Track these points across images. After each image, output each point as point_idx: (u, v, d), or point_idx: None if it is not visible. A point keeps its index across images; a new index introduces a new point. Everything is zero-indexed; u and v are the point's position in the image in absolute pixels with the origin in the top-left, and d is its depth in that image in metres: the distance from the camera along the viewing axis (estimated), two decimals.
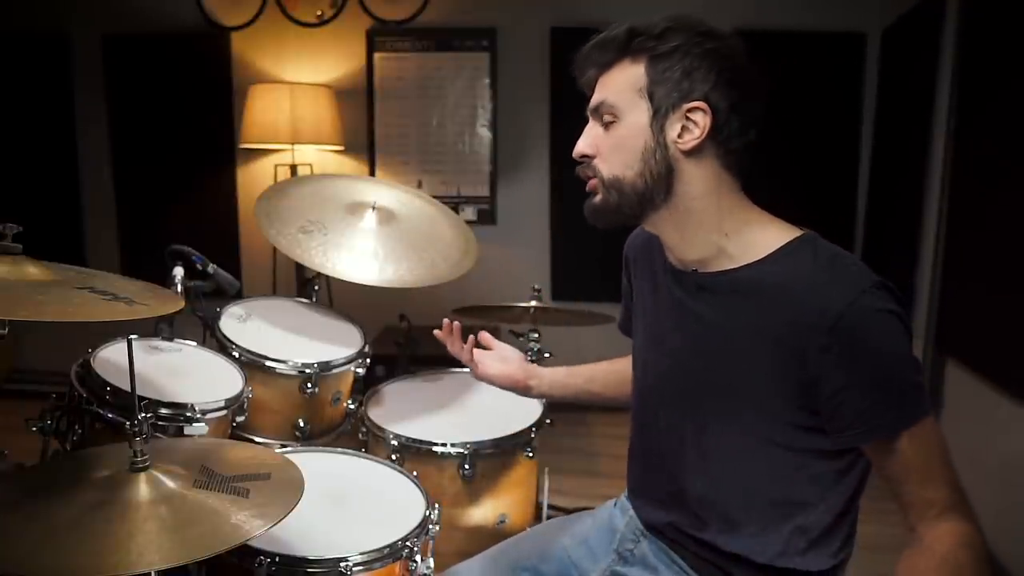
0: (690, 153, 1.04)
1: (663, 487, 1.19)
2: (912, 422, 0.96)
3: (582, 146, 1.11)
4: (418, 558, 1.26)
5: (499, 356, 1.51)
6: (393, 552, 1.23)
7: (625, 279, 1.36)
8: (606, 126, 1.08)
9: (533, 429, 1.77)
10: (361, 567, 1.19)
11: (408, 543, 1.25)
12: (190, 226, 3.88)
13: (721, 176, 1.06)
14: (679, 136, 1.04)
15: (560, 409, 1.95)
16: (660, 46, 1.03)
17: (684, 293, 1.13)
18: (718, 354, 1.07)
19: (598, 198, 1.10)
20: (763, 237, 1.06)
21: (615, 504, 1.36)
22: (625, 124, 1.06)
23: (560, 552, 1.29)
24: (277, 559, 1.15)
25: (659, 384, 1.19)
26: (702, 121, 1.03)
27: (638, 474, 1.29)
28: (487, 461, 1.70)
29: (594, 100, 1.10)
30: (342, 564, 1.17)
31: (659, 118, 1.04)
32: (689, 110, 1.03)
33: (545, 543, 1.31)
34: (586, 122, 1.13)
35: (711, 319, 1.08)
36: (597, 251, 3.88)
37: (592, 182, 1.10)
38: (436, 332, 1.46)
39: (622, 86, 1.06)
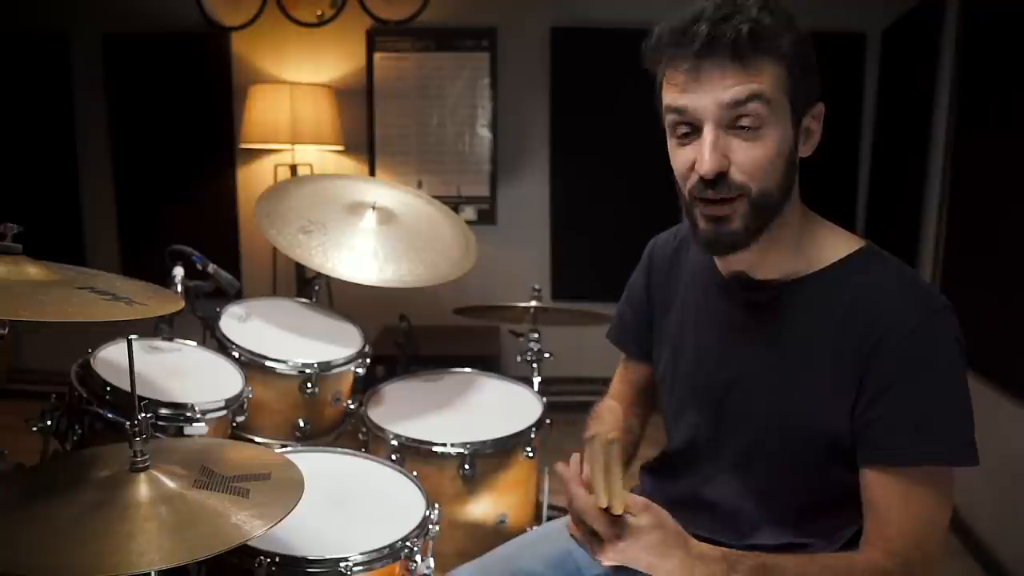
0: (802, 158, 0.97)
1: (689, 495, 1.14)
2: (943, 459, 0.91)
3: (717, 162, 0.90)
4: (418, 558, 1.26)
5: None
6: (393, 552, 1.23)
7: (642, 284, 1.27)
8: (745, 133, 0.91)
9: (533, 429, 1.77)
10: (361, 567, 1.19)
11: (408, 543, 1.25)
12: (190, 226, 3.87)
13: (797, 182, 1.00)
14: (803, 143, 0.97)
15: (560, 409, 1.95)
16: (791, 38, 0.91)
17: (733, 305, 1.06)
18: (771, 372, 1.01)
19: (736, 224, 0.93)
20: (830, 244, 1.01)
21: None
22: (772, 130, 0.91)
23: (562, 555, 1.28)
24: (277, 559, 1.15)
25: (695, 401, 1.13)
26: (818, 125, 0.97)
27: (659, 479, 1.25)
28: (487, 461, 1.70)
29: (735, 94, 0.89)
30: (342, 564, 1.17)
31: (797, 124, 0.94)
32: (814, 114, 0.97)
33: (546, 547, 1.30)
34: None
35: (765, 332, 1.02)
36: (597, 251, 3.91)
37: (731, 205, 0.93)
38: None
39: (771, 84, 0.90)
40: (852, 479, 0.97)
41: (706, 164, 0.90)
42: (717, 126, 0.91)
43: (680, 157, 0.96)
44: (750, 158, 0.91)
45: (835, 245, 1.01)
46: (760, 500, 1.06)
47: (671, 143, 0.98)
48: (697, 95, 0.91)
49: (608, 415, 1.27)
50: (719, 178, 0.91)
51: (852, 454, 0.96)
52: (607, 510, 0.84)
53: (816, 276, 1.00)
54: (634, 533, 0.84)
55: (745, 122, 0.90)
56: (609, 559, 0.86)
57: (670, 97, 0.94)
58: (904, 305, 0.93)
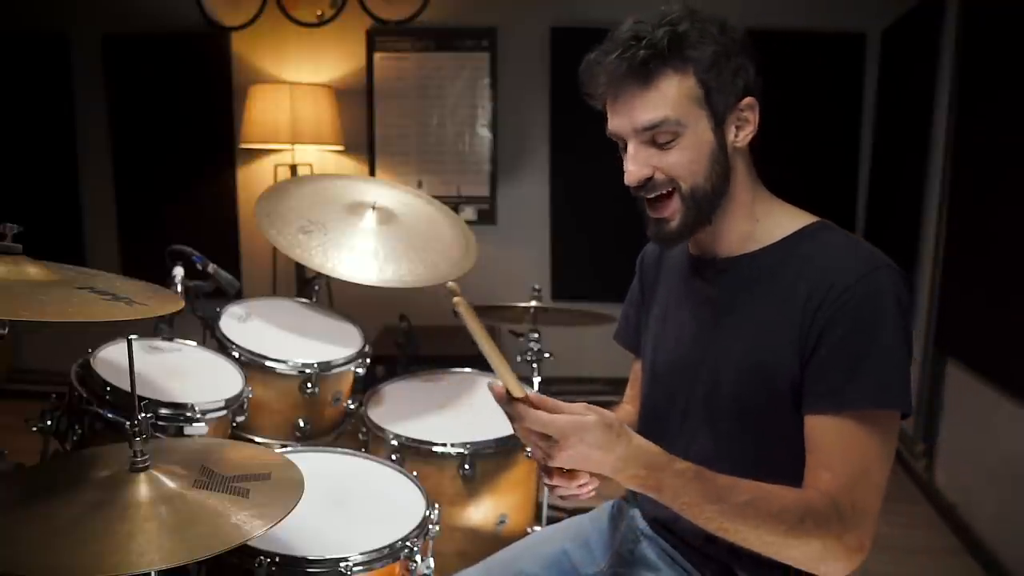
0: (741, 147, 1.06)
1: None
2: (878, 405, 0.96)
3: (638, 171, 1.04)
4: (418, 558, 1.26)
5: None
6: (393, 552, 1.23)
7: (637, 285, 1.36)
8: (663, 145, 1.03)
9: None
10: (361, 567, 1.19)
11: (408, 543, 1.25)
12: (190, 226, 3.87)
13: (750, 164, 1.10)
14: (736, 135, 1.06)
15: None
16: (704, 52, 1.00)
17: (703, 282, 1.15)
18: (736, 335, 1.07)
19: (676, 222, 1.06)
20: (784, 220, 1.09)
21: (613, 506, 1.36)
22: (689, 137, 1.02)
23: (561, 557, 1.29)
24: (277, 559, 1.15)
25: (673, 374, 1.18)
26: (753, 115, 1.05)
27: None
28: (487, 461, 1.70)
29: (643, 119, 1.02)
30: (342, 564, 1.17)
31: (719, 123, 1.03)
32: (742, 108, 1.04)
33: (546, 549, 1.31)
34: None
35: (729, 301, 1.10)
36: (597, 251, 3.91)
37: (667, 206, 1.06)
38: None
39: (678, 99, 1.01)
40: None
41: (628, 175, 1.05)
42: (638, 142, 1.04)
43: (626, 168, 1.07)
44: (670, 164, 1.03)
45: (789, 221, 1.09)
46: (734, 464, 1.06)
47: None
48: (616, 119, 1.06)
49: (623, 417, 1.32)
50: (645, 182, 1.05)
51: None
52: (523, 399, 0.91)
53: (771, 248, 1.08)
54: (581, 430, 0.89)
55: (660, 139, 1.03)
56: (561, 462, 0.91)
57: (608, 121, 1.08)
58: (847, 261, 1.00)
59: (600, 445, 0.89)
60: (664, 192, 1.05)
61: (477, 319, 0.89)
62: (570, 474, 0.98)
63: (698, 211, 1.05)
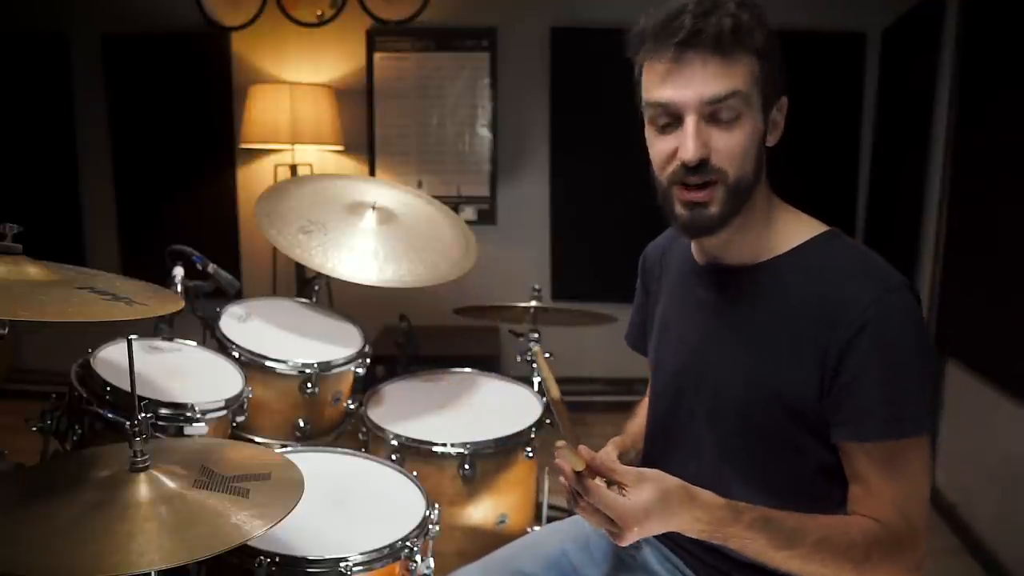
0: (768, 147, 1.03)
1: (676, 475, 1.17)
2: (907, 435, 0.96)
3: (701, 149, 0.95)
4: (418, 558, 1.26)
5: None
6: (393, 552, 1.23)
7: (640, 287, 1.34)
8: (723, 123, 0.96)
9: (533, 429, 1.77)
10: (361, 567, 1.19)
11: (408, 543, 1.25)
12: (190, 226, 3.87)
13: (765, 169, 1.06)
14: (770, 133, 1.03)
15: None
16: (769, 40, 0.97)
17: (709, 290, 1.12)
18: (743, 349, 1.05)
19: (714, 208, 0.99)
20: (796, 229, 1.06)
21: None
22: (748, 121, 0.97)
23: (561, 557, 1.28)
24: (277, 559, 1.15)
25: (677, 384, 1.17)
26: (782, 118, 1.04)
27: (647, 463, 1.26)
28: (487, 461, 1.70)
29: (715, 90, 0.93)
30: (342, 564, 1.17)
31: (766, 114, 1.00)
32: (779, 107, 1.03)
33: (546, 549, 1.31)
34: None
35: (736, 313, 1.07)
36: (597, 251, 3.91)
37: (710, 191, 0.98)
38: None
39: (747, 78, 0.95)
40: (826, 455, 1.01)
41: (690, 152, 0.95)
42: (699, 117, 0.95)
43: (660, 145, 1.00)
44: (728, 146, 0.96)
45: (799, 230, 1.06)
46: (744, 478, 1.08)
47: (650, 132, 1.03)
48: (679, 88, 0.95)
49: (640, 411, 1.34)
50: (701, 164, 0.96)
51: (820, 428, 1.00)
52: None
53: (780, 258, 1.04)
54: (644, 513, 0.88)
55: (724, 115, 0.95)
56: (628, 540, 0.90)
57: (652, 88, 0.98)
58: (861, 283, 0.96)
59: (664, 517, 0.90)
60: (710, 179, 0.98)
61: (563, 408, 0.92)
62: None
63: (735, 203, 0.99)
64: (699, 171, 0.97)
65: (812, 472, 1.03)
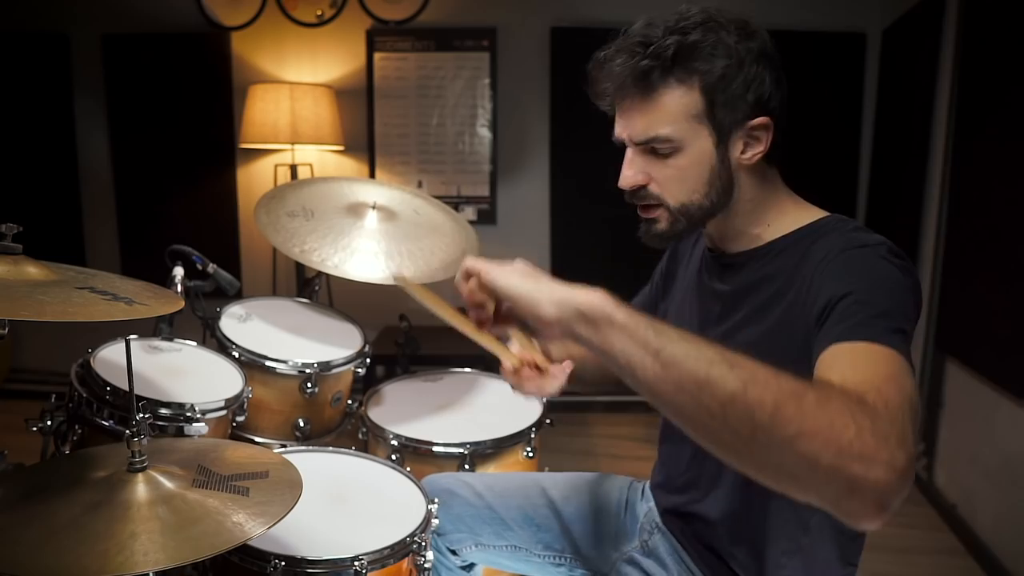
0: (748, 165, 1.03)
1: (688, 477, 1.19)
2: (877, 340, 0.81)
3: (633, 178, 1.03)
4: (427, 553, 1.27)
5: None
6: (403, 548, 1.23)
7: (661, 268, 1.37)
8: (661, 156, 1.01)
9: (533, 429, 1.77)
10: (374, 565, 1.19)
11: (416, 539, 1.25)
12: (190, 226, 3.88)
13: (766, 173, 1.07)
14: (742, 152, 1.02)
15: (560, 409, 1.95)
16: (714, 63, 0.95)
17: (711, 276, 1.15)
18: (744, 333, 1.05)
19: (662, 225, 1.05)
20: (796, 218, 1.07)
21: (630, 487, 1.38)
22: (688, 154, 1.00)
23: (545, 510, 1.34)
24: (284, 562, 1.15)
25: None
26: (765, 135, 1.01)
27: (665, 462, 1.29)
28: (487, 461, 1.70)
29: (640, 132, 1.00)
30: (356, 563, 1.17)
31: (723, 141, 1.00)
32: (753, 127, 1.00)
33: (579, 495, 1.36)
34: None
35: (737, 298, 1.08)
36: (597, 251, 3.91)
37: (655, 211, 1.05)
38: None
39: (677, 115, 0.98)
40: None
41: (622, 178, 1.04)
42: (635, 149, 1.03)
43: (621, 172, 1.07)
44: (664, 176, 1.02)
45: (798, 217, 1.07)
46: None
47: None
48: (619, 125, 1.04)
49: None
50: (639, 189, 1.04)
51: None
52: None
53: (778, 242, 1.06)
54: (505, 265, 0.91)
55: (661, 149, 1.01)
56: (497, 280, 0.91)
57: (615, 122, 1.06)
58: (840, 238, 0.97)
59: (535, 279, 0.89)
60: (651, 203, 1.04)
61: (430, 293, 0.96)
62: (537, 370, 1.07)
63: (688, 221, 1.04)
64: (636, 196, 1.05)
65: None
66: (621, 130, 1.04)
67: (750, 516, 1.08)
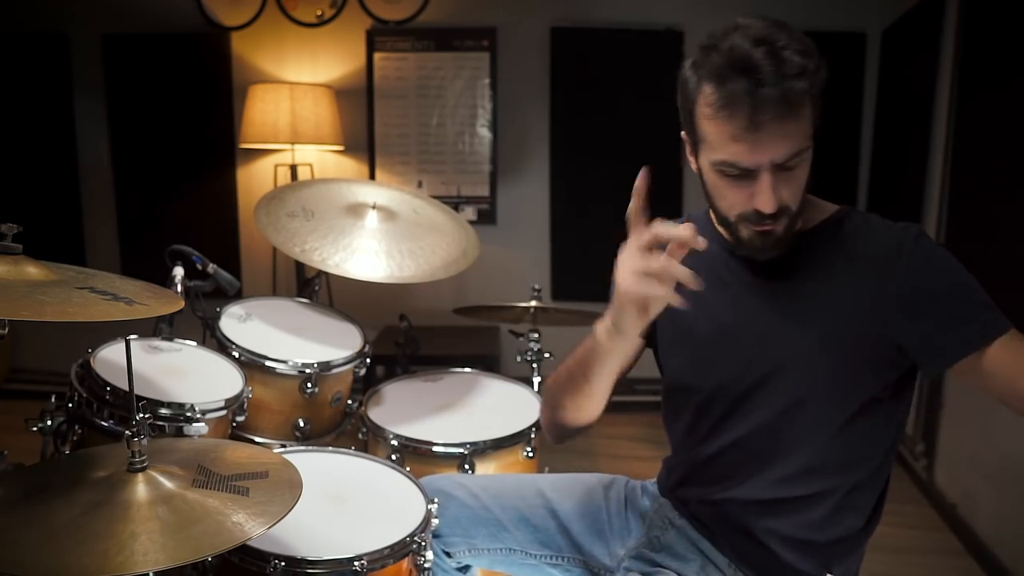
0: None
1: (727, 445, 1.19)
2: (1001, 331, 1.01)
3: (779, 199, 1.02)
4: (427, 553, 1.27)
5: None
6: (404, 548, 1.23)
7: None
8: (788, 168, 1.01)
9: (533, 429, 1.77)
10: (374, 564, 1.19)
11: (416, 538, 1.25)
12: (190, 226, 3.88)
13: None
14: None
15: None
16: (817, 80, 1.00)
17: (745, 268, 1.15)
18: (800, 320, 1.10)
19: (781, 231, 1.07)
20: (818, 209, 1.15)
21: (627, 486, 1.38)
22: (809, 154, 1.04)
23: (543, 512, 1.34)
24: (285, 562, 1.15)
25: (715, 361, 1.18)
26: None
27: (683, 460, 1.28)
28: (487, 461, 1.70)
29: (785, 153, 0.99)
30: (356, 563, 1.17)
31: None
32: (813, 135, 1.05)
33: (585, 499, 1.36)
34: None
35: (779, 287, 1.12)
36: (597, 251, 3.90)
37: (778, 223, 1.06)
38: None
39: (808, 128, 1.01)
40: (878, 391, 1.08)
41: (769, 207, 1.01)
42: (772, 173, 1.00)
43: (729, 192, 1.06)
44: (795, 189, 1.04)
45: (821, 209, 1.16)
46: (794, 441, 1.12)
47: (714, 177, 1.06)
48: (753, 154, 0.99)
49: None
50: (784, 208, 1.04)
51: (882, 370, 1.08)
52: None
53: (811, 231, 1.12)
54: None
55: (792, 163, 1.01)
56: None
57: (720, 146, 1.01)
58: (896, 234, 1.10)
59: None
60: (779, 214, 1.05)
61: None
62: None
63: (796, 222, 1.09)
64: (775, 215, 1.04)
65: (852, 428, 1.09)
66: (760, 156, 0.99)
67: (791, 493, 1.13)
